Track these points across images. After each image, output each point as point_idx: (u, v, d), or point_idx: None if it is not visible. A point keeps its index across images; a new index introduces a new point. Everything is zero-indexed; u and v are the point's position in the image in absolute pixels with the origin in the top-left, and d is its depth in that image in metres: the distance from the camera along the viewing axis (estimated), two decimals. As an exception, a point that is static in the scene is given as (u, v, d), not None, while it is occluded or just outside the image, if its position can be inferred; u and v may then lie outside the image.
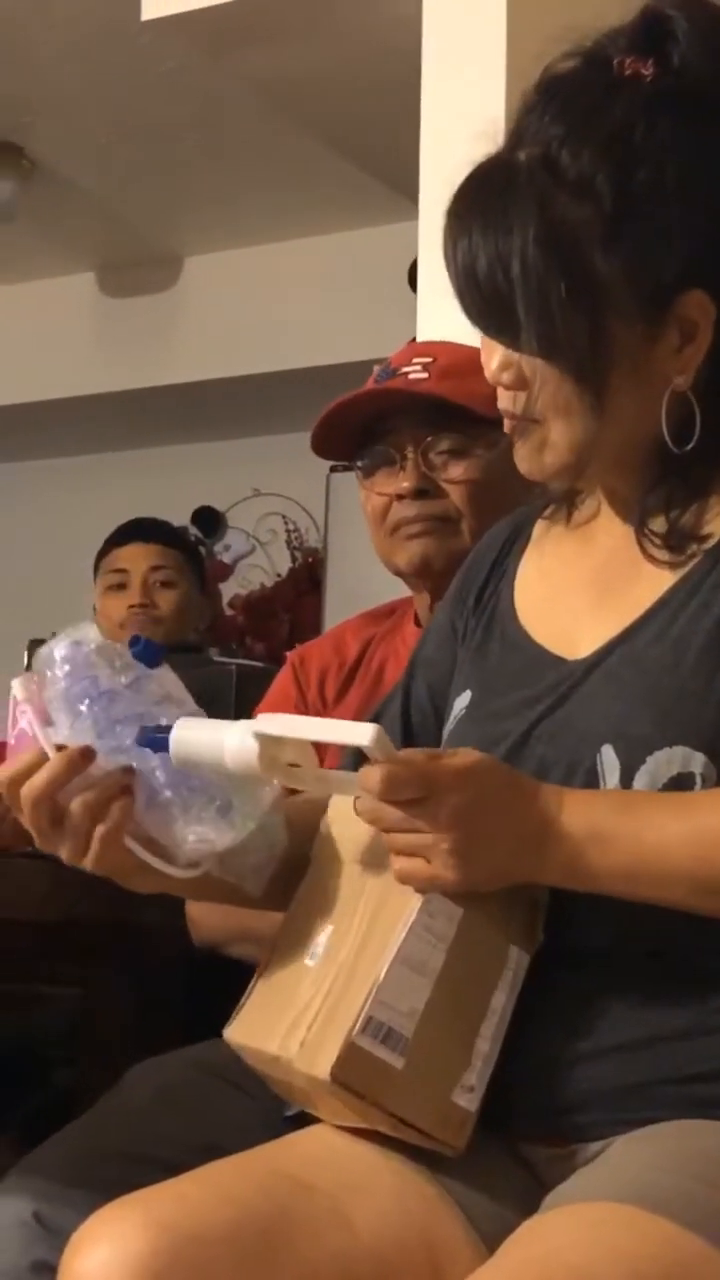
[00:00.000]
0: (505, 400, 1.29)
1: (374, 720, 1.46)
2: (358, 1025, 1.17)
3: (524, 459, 1.31)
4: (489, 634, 1.40)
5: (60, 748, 1.25)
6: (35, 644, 2.09)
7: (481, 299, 1.25)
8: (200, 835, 1.23)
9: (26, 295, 5.40)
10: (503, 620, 1.39)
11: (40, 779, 1.25)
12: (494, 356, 1.28)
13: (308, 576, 5.41)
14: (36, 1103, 2.39)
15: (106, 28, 3.71)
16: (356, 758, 1.41)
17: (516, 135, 1.27)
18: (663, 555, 1.29)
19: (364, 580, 2.12)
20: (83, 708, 1.24)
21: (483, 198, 1.25)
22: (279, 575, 5.49)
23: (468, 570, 1.47)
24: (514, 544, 1.44)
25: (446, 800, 1.15)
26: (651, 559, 1.30)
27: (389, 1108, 1.19)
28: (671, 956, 1.22)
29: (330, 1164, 1.23)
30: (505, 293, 1.22)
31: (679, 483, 1.29)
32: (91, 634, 1.29)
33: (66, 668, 1.26)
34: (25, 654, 2.08)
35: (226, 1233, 1.15)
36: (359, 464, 1.95)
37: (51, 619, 2.77)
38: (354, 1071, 1.17)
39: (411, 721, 1.43)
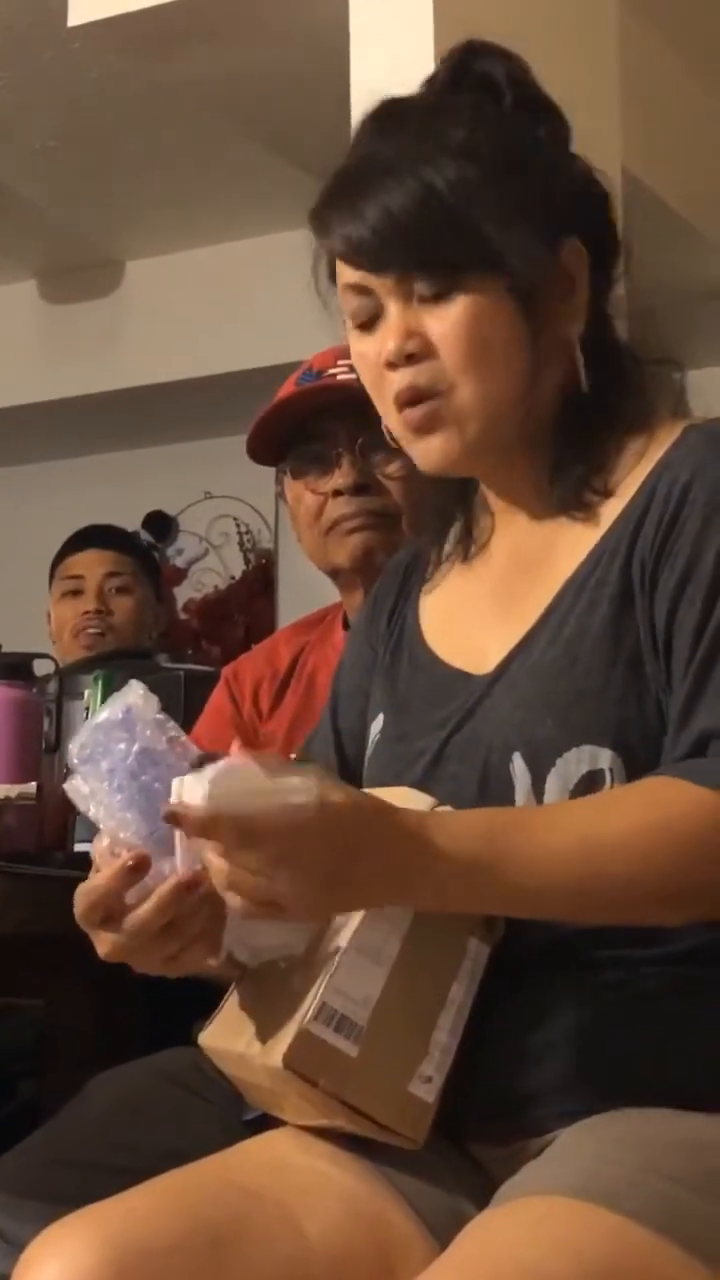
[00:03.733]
0: (406, 378, 1.29)
1: (304, 748, 1.47)
2: (310, 1012, 1.17)
3: (431, 446, 1.31)
4: (397, 657, 1.41)
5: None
6: (-15, 655, 2.09)
7: (414, 235, 1.26)
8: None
9: (-34, 305, 5.37)
10: (410, 643, 1.41)
11: (97, 894, 1.19)
12: (391, 333, 1.29)
13: (261, 578, 5.40)
14: (1, 1115, 2.39)
15: (35, 34, 3.69)
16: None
17: (365, 151, 1.31)
18: (581, 514, 1.31)
19: (316, 580, 2.12)
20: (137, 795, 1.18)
21: (371, 170, 1.29)
22: (233, 578, 5.48)
23: (375, 598, 1.48)
24: (416, 569, 1.45)
25: (266, 850, 1.10)
26: (570, 517, 1.31)
27: (344, 1097, 1.19)
28: (610, 951, 1.23)
29: (281, 1170, 1.23)
30: (444, 214, 1.25)
31: (578, 443, 1.31)
32: (132, 699, 1.22)
33: (119, 748, 1.19)
34: (-25, 667, 2.07)
35: (176, 1244, 1.15)
36: (290, 465, 1.95)
37: (1, 630, 2.76)
38: (307, 1058, 1.17)
39: (347, 755, 1.44)
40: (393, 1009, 1.19)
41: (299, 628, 2.10)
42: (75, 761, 1.21)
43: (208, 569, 5.53)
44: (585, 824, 1.17)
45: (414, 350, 1.28)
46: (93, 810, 1.20)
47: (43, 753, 2.08)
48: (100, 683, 2.17)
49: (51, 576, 3.15)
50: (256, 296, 4.91)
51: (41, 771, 1.99)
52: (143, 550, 3.35)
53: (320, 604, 2.18)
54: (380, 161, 1.28)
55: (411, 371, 1.29)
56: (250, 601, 5.37)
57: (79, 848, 1.96)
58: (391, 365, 1.30)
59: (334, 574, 1.98)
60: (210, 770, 1.12)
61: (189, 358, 5.05)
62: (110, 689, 2.17)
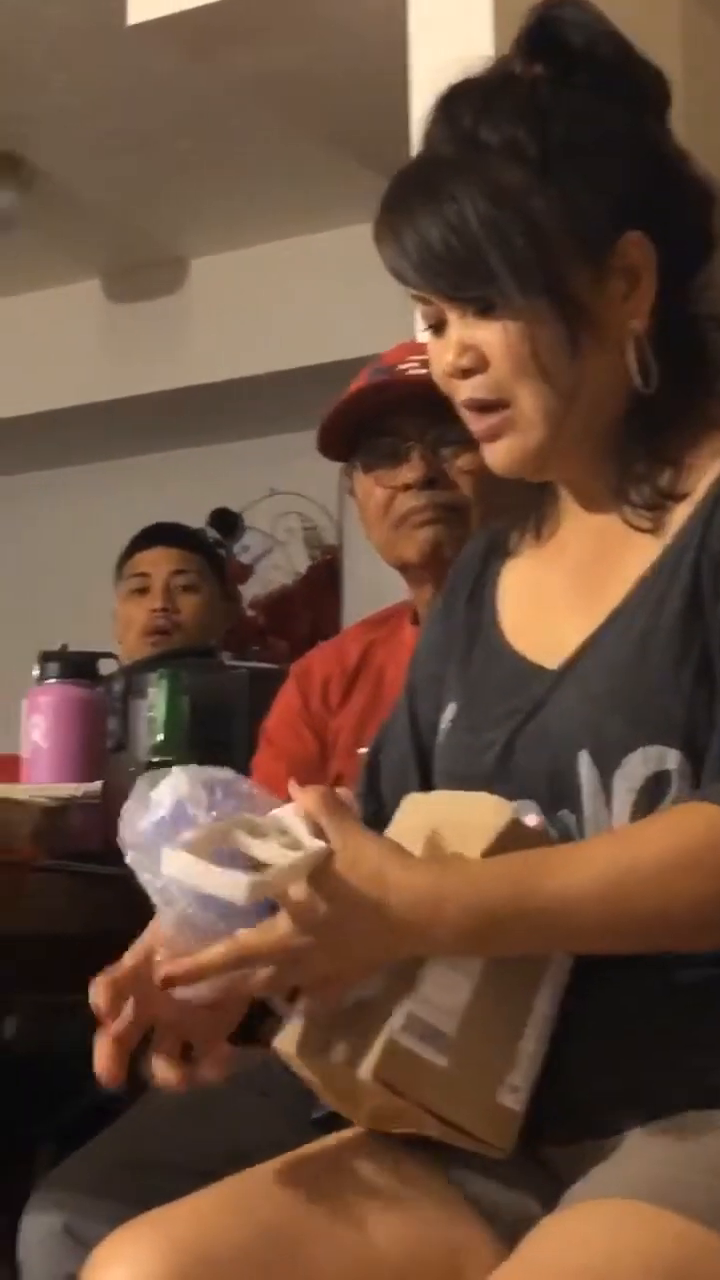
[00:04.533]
0: (468, 390, 1.29)
1: (378, 739, 1.46)
2: (400, 1024, 1.17)
3: (499, 451, 1.31)
4: (472, 645, 1.40)
5: None
6: (46, 656, 2.09)
7: (446, 268, 1.25)
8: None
9: (32, 305, 5.40)
10: (485, 630, 1.39)
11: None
12: (449, 347, 1.29)
13: (326, 574, 5.40)
14: (72, 1114, 2.40)
15: (95, 34, 3.71)
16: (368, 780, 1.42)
17: (428, 143, 1.30)
18: (646, 523, 1.29)
19: (382, 576, 2.12)
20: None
21: (417, 185, 1.28)
22: (298, 574, 5.48)
23: (451, 583, 1.47)
24: (492, 556, 1.44)
25: (293, 946, 1.13)
26: (638, 529, 1.29)
27: (432, 1107, 1.18)
28: (683, 954, 1.21)
29: (347, 1173, 1.22)
30: (470, 250, 1.24)
31: (648, 444, 1.29)
32: (178, 787, 1.20)
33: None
34: (37, 666, 2.08)
35: (243, 1251, 1.15)
36: (360, 460, 1.95)
37: (66, 630, 2.77)
38: (395, 1070, 1.17)
39: (424, 744, 1.42)
40: (480, 1019, 1.18)
41: (367, 625, 2.09)
42: (131, 855, 1.20)
43: (273, 565, 5.53)
44: (610, 862, 1.16)
45: (468, 365, 1.29)
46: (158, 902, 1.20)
47: (108, 752, 2.09)
48: (164, 681, 2.17)
49: (118, 575, 3.15)
50: (319, 292, 4.92)
51: (107, 771, 1.99)
52: (209, 548, 3.35)
53: (386, 599, 2.17)
54: (424, 179, 1.27)
55: (470, 385, 1.29)
56: (316, 597, 5.38)
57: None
58: (451, 374, 1.30)
59: (403, 569, 1.98)
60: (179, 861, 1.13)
61: (253, 354, 5.06)
62: (175, 687, 2.17)
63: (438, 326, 1.31)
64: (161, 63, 3.78)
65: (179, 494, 5.16)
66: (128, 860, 1.20)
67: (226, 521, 5.53)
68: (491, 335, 1.26)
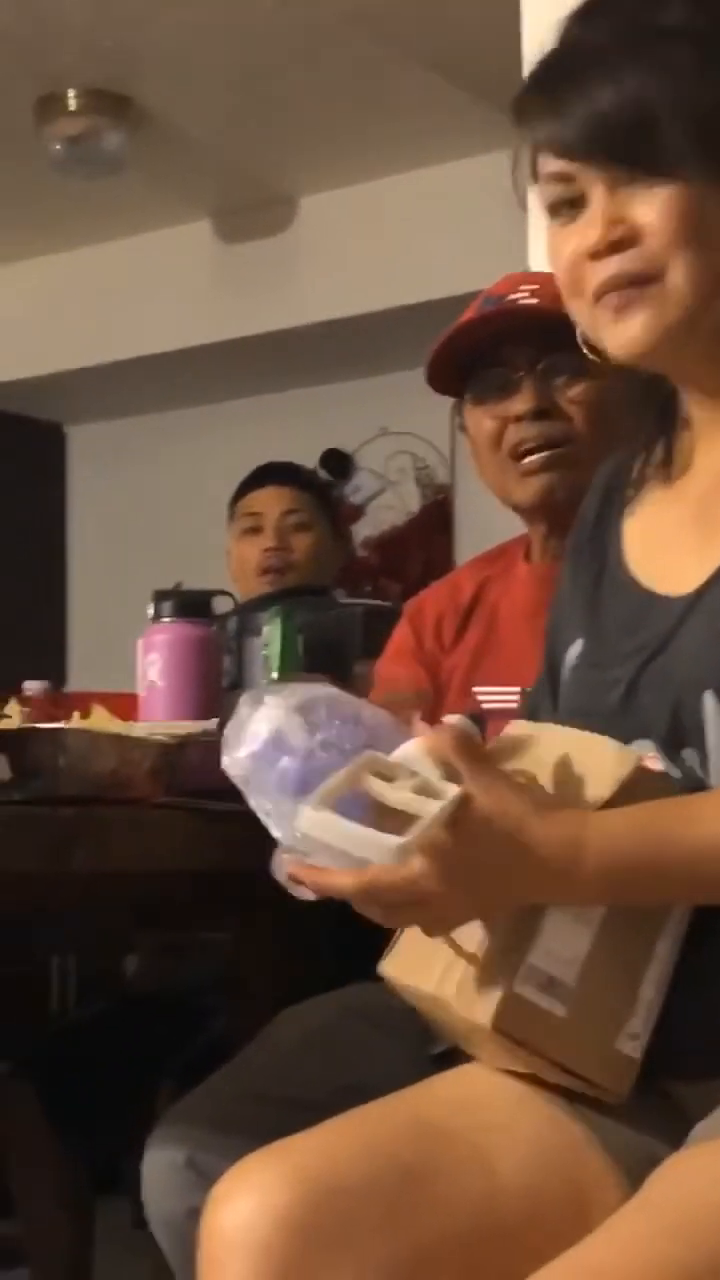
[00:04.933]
0: (615, 265, 1.25)
1: (532, 698, 1.45)
2: (519, 974, 1.16)
3: (635, 326, 1.26)
4: (599, 580, 1.38)
5: None
6: (161, 595, 2.09)
7: (620, 134, 1.22)
8: None
9: (142, 247, 5.40)
10: (611, 565, 1.37)
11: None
12: (594, 223, 1.25)
13: (438, 514, 5.38)
14: (193, 1050, 2.42)
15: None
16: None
17: (574, 37, 1.27)
18: None
19: (494, 515, 2.10)
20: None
21: (582, 61, 1.25)
22: (410, 514, 5.46)
23: (579, 520, 1.45)
24: (616, 490, 1.41)
25: (436, 893, 1.12)
26: None
27: (552, 1055, 1.18)
28: None
29: (471, 1107, 1.22)
30: (647, 116, 1.21)
31: None
32: (273, 714, 1.18)
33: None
34: (151, 605, 2.08)
35: (368, 1181, 1.15)
36: (470, 392, 1.93)
37: (181, 569, 2.78)
38: (515, 1020, 1.16)
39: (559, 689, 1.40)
40: (600, 967, 1.17)
41: (481, 562, 2.08)
42: (236, 781, 1.20)
43: (385, 505, 5.52)
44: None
45: (621, 236, 1.24)
46: (276, 830, 1.19)
47: (224, 690, 2.09)
48: (278, 619, 2.17)
49: (231, 514, 3.15)
50: (430, 228, 4.87)
51: (223, 709, 1.99)
52: (320, 487, 3.34)
53: (499, 540, 2.15)
54: (587, 51, 1.25)
55: (618, 259, 1.25)
56: (428, 537, 5.36)
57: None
58: (595, 255, 1.25)
59: (515, 508, 1.96)
60: (305, 819, 1.11)
61: (364, 292, 5.03)
62: (289, 625, 2.17)
63: (569, 214, 1.27)
64: (269, -4, 3.75)
65: (290, 435, 5.15)
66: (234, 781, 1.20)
67: (338, 462, 5.52)
68: (650, 207, 1.23)
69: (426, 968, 1.24)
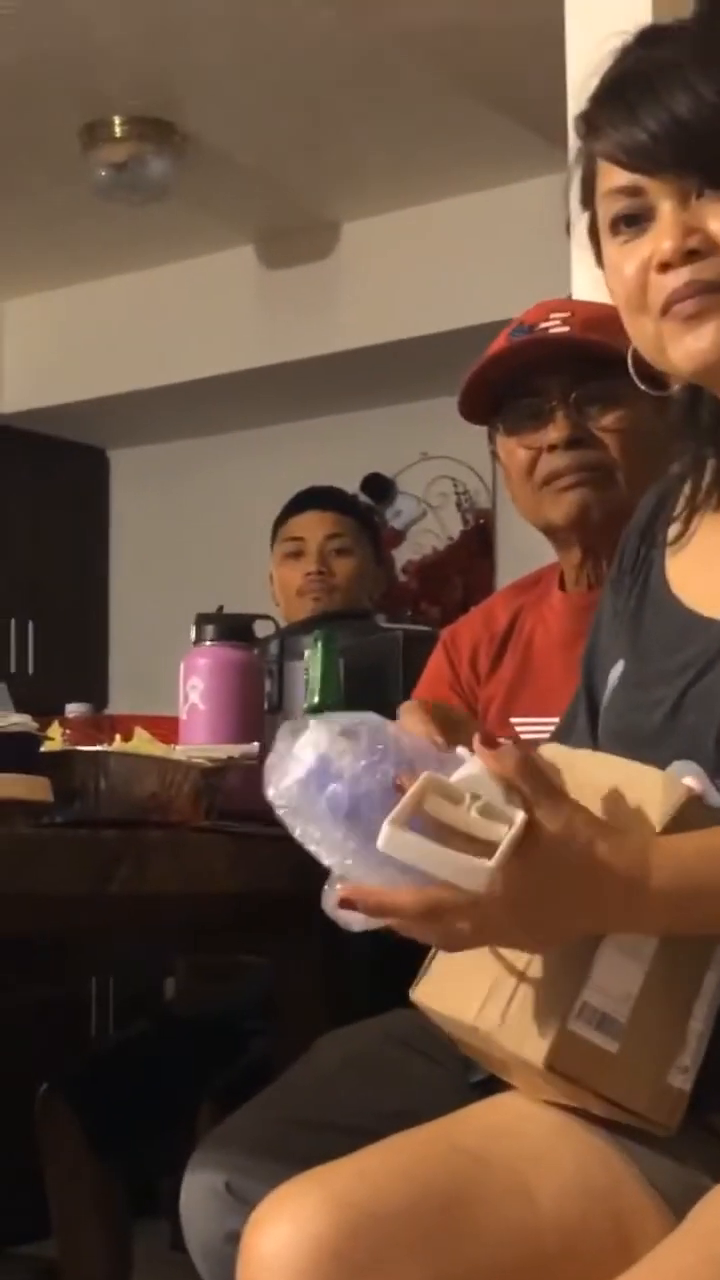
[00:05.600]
0: (689, 274, 1.24)
1: (565, 722, 1.44)
2: (573, 1012, 1.15)
3: (707, 335, 1.24)
4: (642, 603, 1.37)
5: None
6: (203, 619, 2.10)
7: (700, 142, 1.21)
8: None
9: (186, 273, 5.43)
10: (655, 588, 1.36)
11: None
12: (667, 233, 1.24)
13: (479, 538, 5.38)
14: (234, 1072, 2.42)
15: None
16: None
17: (631, 57, 1.27)
18: None
19: (537, 540, 2.10)
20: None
21: (651, 73, 1.24)
22: (451, 538, 5.46)
23: (621, 547, 1.44)
24: (662, 511, 1.41)
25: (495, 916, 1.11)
26: None
27: (604, 1091, 1.17)
28: None
29: (511, 1135, 1.21)
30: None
31: None
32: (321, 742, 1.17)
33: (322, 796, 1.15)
34: (193, 629, 2.09)
35: (406, 1209, 1.14)
36: (502, 422, 1.93)
37: (221, 593, 2.79)
38: (569, 1059, 1.16)
39: (598, 712, 1.40)
40: (651, 1002, 1.17)
41: (516, 590, 2.07)
42: (280, 811, 1.18)
43: (426, 530, 5.52)
44: None
45: (697, 246, 1.23)
46: (326, 858, 1.18)
47: (265, 713, 2.09)
48: (320, 643, 2.18)
49: (273, 538, 3.16)
50: (472, 254, 4.89)
51: (264, 732, 2.00)
52: (362, 511, 3.35)
53: (540, 564, 2.15)
54: (657, 66, 1.24)
55: (692, 269, 1.24)
56: (468, 562, 5.36)
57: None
58: (665, 266, 1.24)
59: (549, 532, 1.96)
60: (385, 836, 1.10)
61: (405, 318, 5.05)
62: (330, 649, 2.17)
63: (634, 228, 1.26)
64: (317, 21, 3.76)
65: (331, 459, 5.17)
66: (278, 815, 1.19)
67: (379, 486, 5.53)
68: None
69: (464, 997, 1.23)
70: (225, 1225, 1.55)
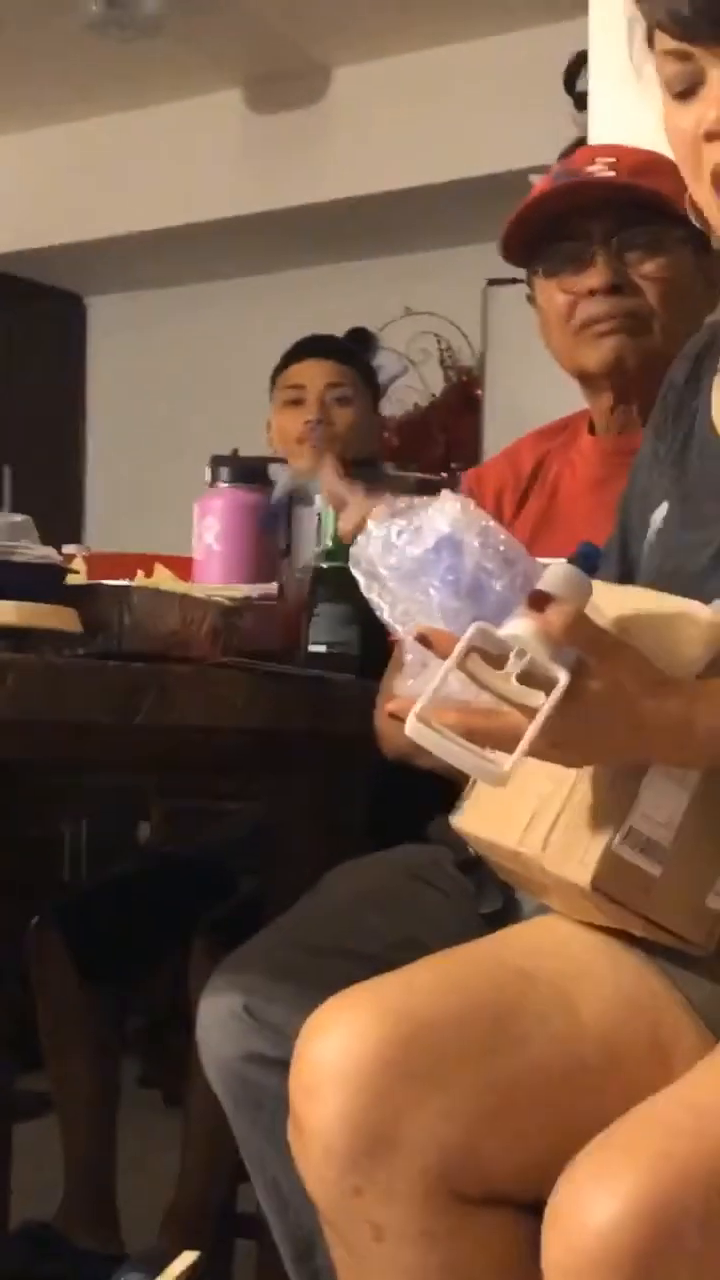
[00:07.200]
0: None
1: (602, 560, 1.45)
2: (619, 835, 1.18)
3: None
4: (686, 446, 1.38)
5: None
6: (218, 460, 2.10)
7: None
8: None
9: (172, 114, 5.33)
10: (700, 431, 1.37)
11: None
12: (715, 103, 1.23)
13: (462, 396, 5.35)
14: (226, 908, 2.46)
15: None
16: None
17: None
18: None
19: (525, 397, 2.10)
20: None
21: None
22: (433, 396, 5.44)
23: (664, 391, 1.45)
24: (707, 356, 1.42)
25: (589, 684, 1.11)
26: None
27: (645, 912, 1.20)
28: None
29: (553, 954, 1.25)
30: None
31: None
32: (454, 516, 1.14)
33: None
34: (208, 470, 2.10)
35: (456, 1019, 1.18)
36: (542, 264, 1.92)
37: (198, 444, 2.76)
38: (614, 880, 1.19)
39: (630, 554, 1.42)
40: (693, 828, 1.20)
41: (543, 434, 2.08)
42: (401, 576, 1.15)
43: (408, 386, 5.49)
44: None
45: None
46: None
47: (281, 554, 2.11)
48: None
49: (272, 386, 3.15)
50: (464, 104, 4.81)
51: (280, 573, 2.02)
52: (362, 361, 3.34)
53: (529, 422, 2.16)
54: None
55: None
56: (451, 419, 5.34)
57: (313, 648, 2.00)
58: (711, 136, 1.25)
59: (582, 377, 1.96)
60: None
61: (395, 168, 4.98)
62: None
63: (686, 92, 1.26)
64: None
65: (314, 311, 5.11)
66: (358, 576, 1.17)
67: (361, 341, 5.48)
68: None
69: (507, 822, 1.26)
70: (243, 1045, 1.60)
